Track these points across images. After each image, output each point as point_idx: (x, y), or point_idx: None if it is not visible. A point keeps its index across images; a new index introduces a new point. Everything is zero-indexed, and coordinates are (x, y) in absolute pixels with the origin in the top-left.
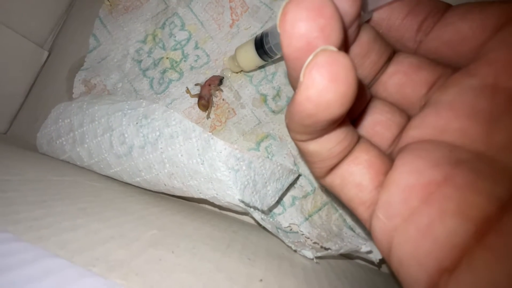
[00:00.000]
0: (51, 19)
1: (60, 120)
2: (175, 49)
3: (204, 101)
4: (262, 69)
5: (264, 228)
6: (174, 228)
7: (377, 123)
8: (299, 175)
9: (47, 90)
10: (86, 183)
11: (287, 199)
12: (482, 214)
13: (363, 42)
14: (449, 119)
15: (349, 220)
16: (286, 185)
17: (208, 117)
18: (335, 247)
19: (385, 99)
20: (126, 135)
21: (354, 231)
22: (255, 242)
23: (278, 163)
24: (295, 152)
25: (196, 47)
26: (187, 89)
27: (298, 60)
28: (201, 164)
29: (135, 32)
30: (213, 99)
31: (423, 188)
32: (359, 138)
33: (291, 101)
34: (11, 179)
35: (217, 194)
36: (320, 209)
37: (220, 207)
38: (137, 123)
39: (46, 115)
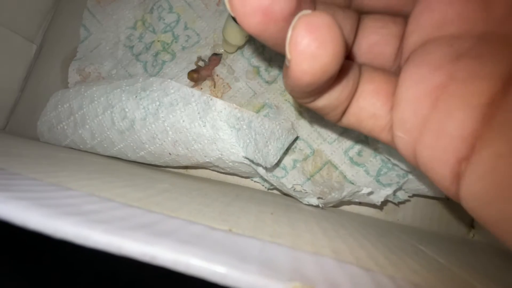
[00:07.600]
0: (40, 12)
1: (59, 106)
2: (165, 32)
3: (197, 75)
4: (253, 42)
5: (269, 189)
6: (184, 185)
7: (374, 44)
8: (298, 137)
9: (42, 83)
10: (92, 160)
11: (288, 162)
12: (486, 98)
13: None
14: (442, 10)
15: (349, 175)
16: (287, 144)
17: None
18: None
19: (373, 8)
20: (126, 110)
21: (354, 185)
22: (262, 196)
23: (276, 123)
24: (292, 118)
25: (186, 28)
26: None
27: (265, 32)
28: (203, 126)
29: (124, 19)
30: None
31: (429, 94)
32: (360, 70)
33: (285, 76)
34: (21, 153)
35: (221, 155)
36: (320, 169)
37: (224, 174)
38: (136, 97)
39: (43, 108)
